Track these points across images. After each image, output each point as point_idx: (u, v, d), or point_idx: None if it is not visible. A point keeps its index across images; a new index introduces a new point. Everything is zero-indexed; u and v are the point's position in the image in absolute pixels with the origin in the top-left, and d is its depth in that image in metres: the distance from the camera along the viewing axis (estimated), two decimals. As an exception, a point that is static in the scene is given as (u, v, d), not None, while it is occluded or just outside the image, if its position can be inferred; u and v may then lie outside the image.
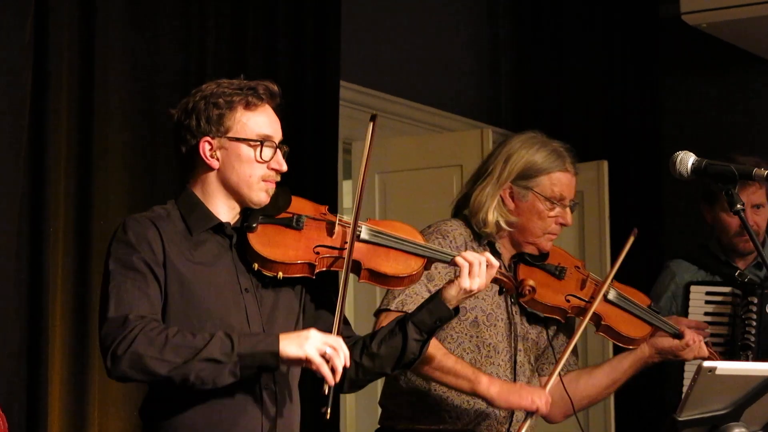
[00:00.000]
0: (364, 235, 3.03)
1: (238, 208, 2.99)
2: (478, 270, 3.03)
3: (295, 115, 4.94)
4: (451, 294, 3.03)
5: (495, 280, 3.13)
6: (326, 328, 2.90)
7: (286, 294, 3.02)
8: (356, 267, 3.02)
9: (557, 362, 3.48)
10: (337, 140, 5.42)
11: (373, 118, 3.04)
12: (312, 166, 5.11)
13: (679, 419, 2.76)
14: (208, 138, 2.92)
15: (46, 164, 4.08)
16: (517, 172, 3.47)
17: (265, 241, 2.95)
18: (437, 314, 3.02)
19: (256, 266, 2.94)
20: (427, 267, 3.11)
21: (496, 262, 3.06)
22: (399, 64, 6.12)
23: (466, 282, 3.02)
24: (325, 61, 5.29)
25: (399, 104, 6.06)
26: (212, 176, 2.96)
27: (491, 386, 3.38)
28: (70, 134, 4.20)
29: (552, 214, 3.47)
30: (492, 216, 3.44)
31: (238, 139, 2.93)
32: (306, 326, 3.01)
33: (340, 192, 5.58)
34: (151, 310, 2.81)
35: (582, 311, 3.50)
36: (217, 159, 2.93)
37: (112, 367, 2.74)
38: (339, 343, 2.80)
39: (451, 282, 3.05)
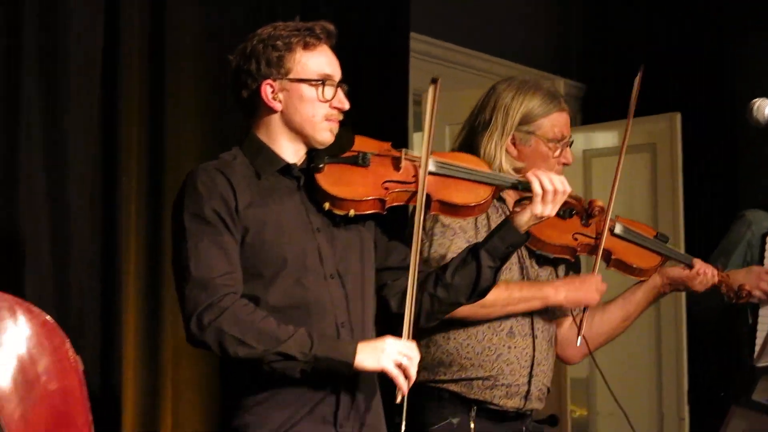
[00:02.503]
0: (431, 167, 3.05)
1: (303, 150, 3.00)
2: (550, 196, 3.04)
3: (365, 68, 4.93)
4: (523, 219, 3.05)
5: (565, 204, 3.16)
6: (398, 262, 2.96)
7: (358, 232, 3.04)
8: (427, 199, 3.03)
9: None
10: (408, 92, 5.42)
11: (434, 81, 3.03)
12: (382, 118, 5.09)
13: (758, 366, 2.74)
14: (269, 81, 2.94)
15: (119, 113, 4.12)
16: (519, 120, 3.49)
17: (333, 180, 2.96)
18: (509, 240, 3.04)
19: (327, 206, 2.96)
20: (495, 195, 3.13)
21: (568, 187, 3.07)
22: (469, 15, 6.08)
23: (538, 208, 3.04)
24: (395, 13, 5.28)
25: (469, 56, 6.03)
26: (275, 119, 2.98)
27: (558, 294, 3.43)
28: (141, 83, 4.24)
29: (556, 154, 3.50)
30: (506, 166, 3.44)
31: (299, 80, 2.94)
32: (378, 261, 3.06)
33: (411, 144, 5.57)
34: (231, 267, 2.83)
35: (591, 248, 3.51)
36: (280, 101, 2.95)
37: (195, 331, 2.78)
38: (413, 351, 2.83)
39: (522, 207, 3.06)
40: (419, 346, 3.17)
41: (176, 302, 4.07)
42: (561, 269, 3.66)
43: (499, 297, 3.34)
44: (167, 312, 4.19)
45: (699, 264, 3.66)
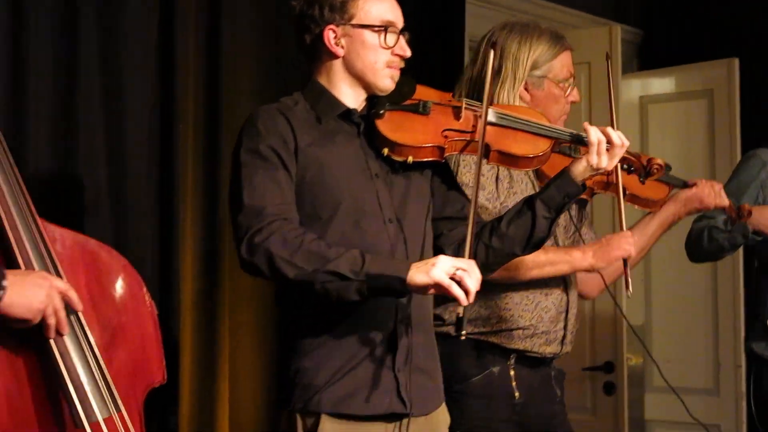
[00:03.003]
0: (491, 118, 3.06)
1: (363, 96, 3.02)
2: (605, 147, 3.04)
3: (421, 14, 4.91)
4: (579, 170, 3.05)
5: (624, 160, 3.15)
6: (455, 212, 2.97)
7: (416, 179, 3.05)
8: (486, 149, 3.04)
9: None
10: (464, 38, 5.38)
11: (493, 45, 3.10)
12: (439, 65, 5.08)
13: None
14: (332, 26, 2.95)
15: (175, 60, 4.12)
16: (530, 66, 3.49)
17: (393, 127, 2.98)
18: (565, 190, 3.03)
19: (385, 152, 2.97)
20: (554, 148, 3.13)
21: (626, 141, 3.06)
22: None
23: (594, 159, 3.03)
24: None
25: (525, 1, 5.97)
26: (337, 64, 2.99)
27: (586, 258, 3.44)
28: (198, 29, 4.24)
29: (566, 95, 3.53)
30: None
31: (362, 26, 2.95)
32: (436, 210, 3.06)
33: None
34: (284, 199, 2.85)
35: (604, 185, 3.50)
36: (342, 47, 2.97)
37: (246, 254, 2.79)
38: (471, 265, 2.78)
39: (578, 158, 3.06)
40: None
41: (233, 251, 4.14)
42: (573, 210, 3.70)
43: (525, 260, 3.34)
44: (225, 258, 4.21)
45: (703, 182, 3.72)
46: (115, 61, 3.95)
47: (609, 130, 3.06)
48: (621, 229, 3.45)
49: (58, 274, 2.45)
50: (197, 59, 4.22)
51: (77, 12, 3.84)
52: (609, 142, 3.03)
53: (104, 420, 2.43)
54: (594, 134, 3.04)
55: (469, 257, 2.84)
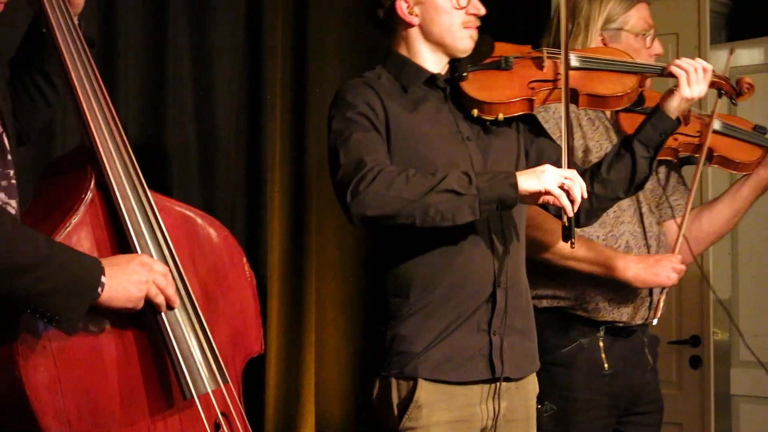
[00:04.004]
0: (574, 63, 3.07)
1: (445, 60, 3.03)
2: (695, 76, 3.05)
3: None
4: (672, 105, 3.06)
5: (712, 84, 3.14)
6: (551, 163, 2.94)
7: (507, 137, 3.06)
8: (574, 95, 3.05)
9: (684, 212, 3.45)
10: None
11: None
12: (521, 17, 5.04)
13: None
14: None
15: (263, 32, 4.16)
16: (604, 21, 3.46)
17: (479, 86, 2.99)
18: (661, 127, 3.05)
19: (475, 112, 2.99)
20: (641, 84, 3.13)
21: (710, 66, 3.06)
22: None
23: (685, 90, 3.04)
24: None
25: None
26: (414, 32, 3.00)
27: (627, 270, 3.37)
28: (286, 6, 4.27)
29: (647, 46, 3.49)
30: None
31: None
32: (531, 163, 3.07)
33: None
34: (380, 154, 2.85)
35: (692, 147, 3.46)
36: (416, 15, 2.98)
37: (352, 203, 2.76)
38: (575, 174, 2.83)
39: (670, 93, 3.07)
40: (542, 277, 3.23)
41: (320, 221, 4.19)
42: (663, 173, 3.65)
43: (563, 250, 3.31)
44: (311, 228, 4.26)
45: None
46: (204, 39, 4.00)
47: (695, 59, 3.07)
48: (691, 193, 3.45)
49: (171, 252, 2.47)
50: (284, 31, 4.25)
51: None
52: (695, 69, 3.03)
53: (213, 392, 2.46)
54: (682, 64, 3.04)
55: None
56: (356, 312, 4.31)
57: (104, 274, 2.28)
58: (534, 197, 2.81)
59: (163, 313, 2.41)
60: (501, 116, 2.99)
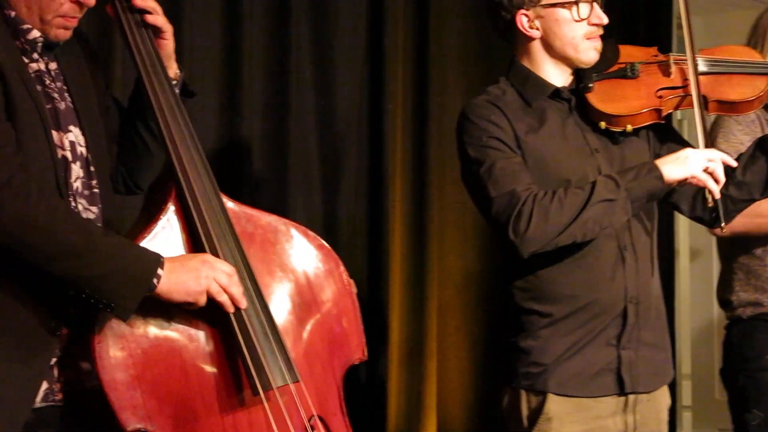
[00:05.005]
0: (702, 67, 2.97)
1: (569, 71, 2.98)
2: None
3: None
4: None
5: None
6: None
7: (635, 145, 3.00)
8: (703, 101, 2.95)
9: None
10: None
11: None
12: (642, 17, 4.97)
13: None
14: (522, 10, 2.92)
15: (384, 37, 4.16)
16: None
17: (605, 98, 2.93)
18: None
19: (602, 125, 2.93)
20: None
21: None
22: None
23: None
24: None
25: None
26: (536, 46, 2.96)
27: None
28: (406, 7, 4.27)
29: None
30: None
31: (551, 5, 2.92)
32: None
33: (673, 41, 5.36)
34: (528, 179, 2.83)
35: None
36: (537, 29, 2.94)
37: (517, 242, 2.78)
38: (717, 154, 2.81)
39: None
40: (734, 278, 3.22)
41: (441, 230, 4.18)
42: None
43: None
44: (432, 238, 4.25)
45: None
46: (326, 43, 4.03)
47: None
48: None
49: (242, 255, 2.55)
50: (406, 39, 4.25)
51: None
52: None
53: (280, 389, 2.52)
54: None
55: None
56: (478, 321, 4.29)
57: (162, 267, 2.39)
58: (679, 184, 2.83)
59: (232, 314, 2.49)
60: (629, 128, 2.92)
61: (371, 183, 4.15)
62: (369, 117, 4.14)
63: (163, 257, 2.41)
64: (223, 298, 2.45)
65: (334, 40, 4.03)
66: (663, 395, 3.04)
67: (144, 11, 2.60)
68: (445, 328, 4.28)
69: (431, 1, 4.30)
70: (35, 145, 2.38)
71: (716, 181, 2.79)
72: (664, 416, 3.05)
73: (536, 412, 2.89)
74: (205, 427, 2.51)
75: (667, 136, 3.07)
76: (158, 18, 2.61)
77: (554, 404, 2.87)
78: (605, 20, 2.94)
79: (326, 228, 3.95)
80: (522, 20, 2.93)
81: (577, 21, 2.91)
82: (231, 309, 2.47)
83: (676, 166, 2.78)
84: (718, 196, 2.80)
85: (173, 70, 2.69)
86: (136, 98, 2.70)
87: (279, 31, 3.89)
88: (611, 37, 3.00)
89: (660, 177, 2.77)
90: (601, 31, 2.95)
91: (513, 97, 2.95)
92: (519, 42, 2.98)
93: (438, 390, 4.23)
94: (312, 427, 2.59)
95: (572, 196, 2.77)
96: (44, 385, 2.41)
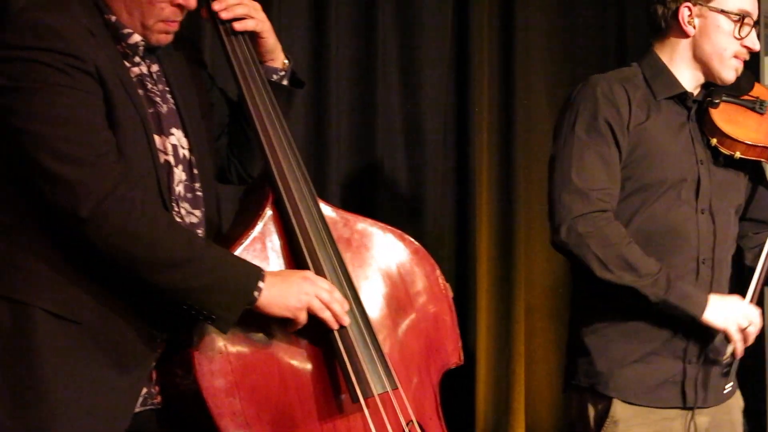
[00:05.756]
0: None
1: (701, 80, 2.98)
2: None
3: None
4: None
5: None
6: (764, 216, 2.98)
7: (735, 174, 3.00)
8: None
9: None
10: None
11: None
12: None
13: None
14: (688, 4, 2.92)
15: (470, 40, 4.18)
16: None
17: (727, 119, 2.93)
18: None
19: (714, 142, 2.93)
20: None
21: None
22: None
23: None
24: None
25: None
26: (684, 43, 2.96)
27: None
28: (491, 9, 4.28)
29: None
30: None
31: (720, 11, 2.91)
32: (748, 207, 3.04)
33: (762, 69, 5.33)
34: (611, 183, 2.85)
35: None
36: (694, 26, 2.93)
37: (564, 237, 2.82)
38: (757, 318, 2.85)
39: None
40: None
41: (528, 232, 4.18)
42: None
43: None
44: (519, 241, 4.25)
45: None
46: (412, 46, 4.06)
47: None
48: None
49: (343, 267, 2.54)
50: (491, 42, 4.26)
51: (375, 3, 3.95)
52: None
53: (380, 396, 2.51)
54: None
55: (764, 272, 2.90)
56: (566, 323, 4.26)
57: (263, 281, 2.38)
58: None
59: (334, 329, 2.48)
60: (738, 155, 2.92)
61: (457, 186, 4.16)
62: (455, 120, 4.15)
63: (264, 270, 2.40)
64: (326, 315, 2.44)
65: (420, 42, 4.05)
66: (735, 398, 3.03)
67: (234, 20, 2.59)
68: (532, 330, 4.27)
69: (516, 3, 4.31)
70: (137, 151, 2.37)
71: (745, 342, 2.83)
72: (738, 417, 3.04)
73: (602, 415, 2.89)
74: None
75: (759, 181, 3.06)
76: (248, 23, 2.60)
77: (620, 407, 2.88)
78: (757, 47, 2.94)
79: (412, 231, 3.94)
80: (684, 13, 2.93)
81: (735, 37, 2.91)
82: (335, 326, 2.46)
83: (719, 315, 2.81)
84: (738, 357, 2.84)
85: (279, 61, 2.68)
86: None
87: (365, 35, 3.93)
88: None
89: (700, 313, 2.81)
90: (747, 57, 2.95)
91: (641, 83, 2.95)
92: (667, 33, 2.97)
93: (526, 392, 4.22)
94: None
95: (632, 259, 2.80)
96: (143, 390, 2.42)
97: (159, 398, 2.46)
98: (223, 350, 2.42)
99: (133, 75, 2.44)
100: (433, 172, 4.09)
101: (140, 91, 2.43)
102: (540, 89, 4.29)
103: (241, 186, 2.78)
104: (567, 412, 3.05)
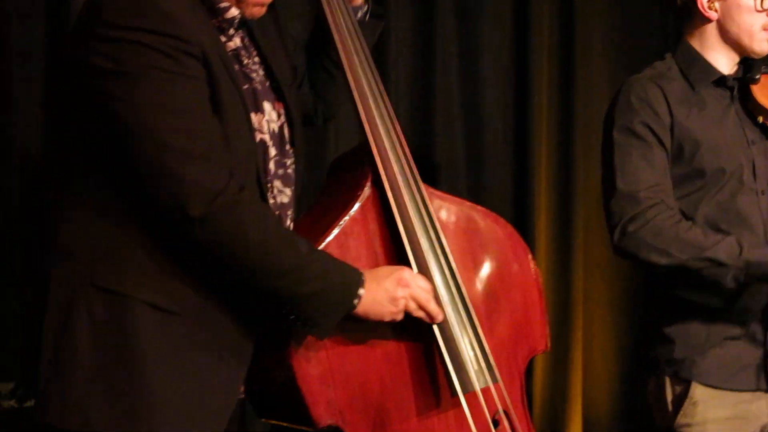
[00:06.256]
0: None
1: (736, 60, 2.96)
2: None
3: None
4: None
5: None
6: None
7: None
8: None
9: None
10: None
11: None
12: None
13: None
14: None
15: (530, 20, 4.18)
16: None
17: None
18: None
19: (761, 119, 2.91)
20: None
21: None
22: None
23: None
24: None
25: None
26: (710, 28, 2.94)
27: None
28: (552, 3, 4.26)
29: None
30: None
31: None
32: None
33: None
34: (658, 180, 2.83)
35: None
36: (715, 10, 2.91)
37: (618, 241, 2.82)
38: None
39: None
40: None
41: (587, 219, 4.17)
42: None
43: None
44: (578, 228, 4.25)
45: None
46: (471, 38, 4.05)
47: None
48: None
49: (446, 256, 2.46)
50: (551, 33, 4.25)
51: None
52: None
53: (481, 390, 2.46)
54: None
55: None
56: (624, 310, 4.27)
57: (363, 287, 2.31)
58: None
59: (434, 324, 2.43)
60: None
61: (516, 173, 4.16)
62: (514, 110, 4.15)
63: (363, 275, 2.31)
64: (420, 314, 2.39)
65: (479, 33, 4.05)
66: None
67: None
68: (590, 317, 4.27)
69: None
70: (238, 134, 2.26)
71: None
72: None
73: (681, 397, 2.88)
74: (398, 425, 2.45)
75: None
76: None
77: (699, 390, 2.87)
78: None
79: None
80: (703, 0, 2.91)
81: (758, 11, 2.89)
82: (430, 321, 2.40)
83: None
84: None
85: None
86: (317, 34, 2.60)
87: (424, 26, 3.94)
88: None
89: None
90: None
91: (677, 76, 2.94)
92: (693, 21, 2.96)
93: (584, 380, 4.23)
94: (497, 422, 2.54)
95: (691, 238, 2.77)
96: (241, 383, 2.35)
97: (242, 387, 2.37)
98: (319, 340, 2.35)
99: (229, 50, 2.32)
100: (491, 159, 4.08)
101: (236, 67, 2.32)
102: (600, 79, 4.27)
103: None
104: (641, 397, 3.04)
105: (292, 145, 2.43)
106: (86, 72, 2.16)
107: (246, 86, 2.33)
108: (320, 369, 2.36)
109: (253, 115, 2.32)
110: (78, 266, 2.22)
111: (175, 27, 2.15)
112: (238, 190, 2.18)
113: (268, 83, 2.40)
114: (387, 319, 2.36)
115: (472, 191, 4.03)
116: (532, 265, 2.66)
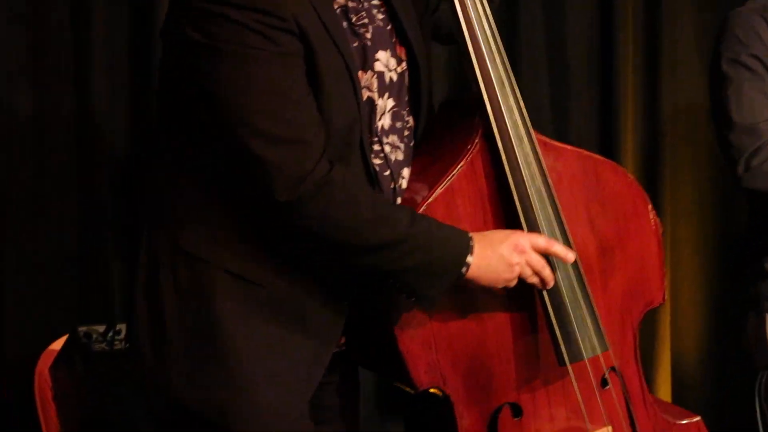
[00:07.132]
0: None
1: None
2: None
3: None
4: None
5: None
6: None
7: None
8: None
9: None
10: None
11: None
12: None
13: None
14: None
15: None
16: None
17: None
18: None
19: None
20: None
21: None
22: None
23: None
24: None
25: None
26: None
27: None
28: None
29: None
30: None
31: None
32: None
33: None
34: None
35: None
36: None
37: (743, 174, 2.77)
38: None
39: None
40: None
41: (673, 162, 4.16)
42: None
43: None
44: (665, 171, 4.22)
45: None
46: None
47: None
48: None
49: (558, 216, 2.39)
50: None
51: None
52: None
53: (589, 360, 2.39)
54: None
55: None
56: (712, 253, 4.26)
57: (472, 253, 2.24)
58: None
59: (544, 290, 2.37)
60: None
61: (602, 118, 4.14)
62: (600, 50, 4.12)
63: (472, 240, 2.23)
64: (534, 280, 2.33)
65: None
66: None
67: None
68: (678, 261, 4.25)
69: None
70: (340, 103, 2.19)
71: None
72: None
73: None
74: (499, 392, 2.40)
75: None
76: None
77: None
78: None
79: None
80: None
81: None
82: (542, 287, 2.35)
83: None
84: None
85: None
86: None
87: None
88: None
89: None
90: None
91: None
92: None
93: (671, 323, 4.22)
94: (606, 381, 2.49)
95: None
96: (328, 359, 2.32)
97: (343, 339, 2.37)
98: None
99: (337, 6, 2.24)
100: (576, 104, 4.08)
101: (344, 24, 2.23)
102: (689, 25, 4.21)
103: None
104: (736, 337, 3.03)
105: (415, 92, 2.36)
106: (182, 45, 2.16)
107: (355, 44, 2.25)
108: (422, 332, 2.32)
109: (361, 74, 2.25)
110: (166, 231, 2.26)
111: (270, 3, 2.10)
112: (327, 170, 2.14)
113: (390, 26, 2.32)
114: (500, 285, 2.31)
115: (556, 139, 4.01)
116: (652, 215, 2.57)
